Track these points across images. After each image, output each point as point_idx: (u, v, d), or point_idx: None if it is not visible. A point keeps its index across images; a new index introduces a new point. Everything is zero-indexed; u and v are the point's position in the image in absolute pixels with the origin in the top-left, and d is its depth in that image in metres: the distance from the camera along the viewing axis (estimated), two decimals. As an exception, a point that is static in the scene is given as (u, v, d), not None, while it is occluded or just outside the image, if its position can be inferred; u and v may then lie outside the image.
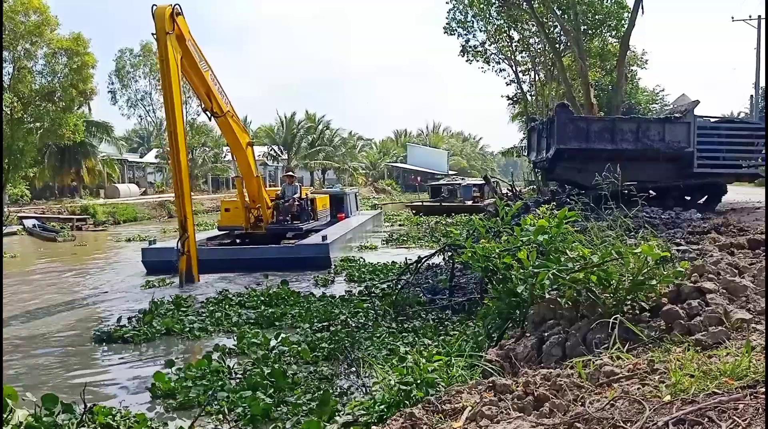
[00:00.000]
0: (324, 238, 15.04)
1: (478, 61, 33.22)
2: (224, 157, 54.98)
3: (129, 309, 10.31)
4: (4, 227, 23.04)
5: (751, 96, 40.04)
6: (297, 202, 17.63)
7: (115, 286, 13.18)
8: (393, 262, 13.71)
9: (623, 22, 24.89)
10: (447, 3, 30.82)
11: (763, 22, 35.80)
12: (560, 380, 3.11)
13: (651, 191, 13.50)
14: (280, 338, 7.56)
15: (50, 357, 7.93)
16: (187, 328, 8.68)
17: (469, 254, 5.28)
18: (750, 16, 36.57)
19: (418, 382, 4.03)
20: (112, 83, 40.59)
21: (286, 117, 63.39)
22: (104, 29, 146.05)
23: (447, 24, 31.56)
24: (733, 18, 37.12)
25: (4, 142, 26.50)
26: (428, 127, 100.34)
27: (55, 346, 8.43)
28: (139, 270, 14.72)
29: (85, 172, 39.90)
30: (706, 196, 14.69)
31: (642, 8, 20.92)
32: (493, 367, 4.00)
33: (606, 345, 3.65)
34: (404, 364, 4.52)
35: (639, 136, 13.42)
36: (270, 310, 9.42)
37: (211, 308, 9.78)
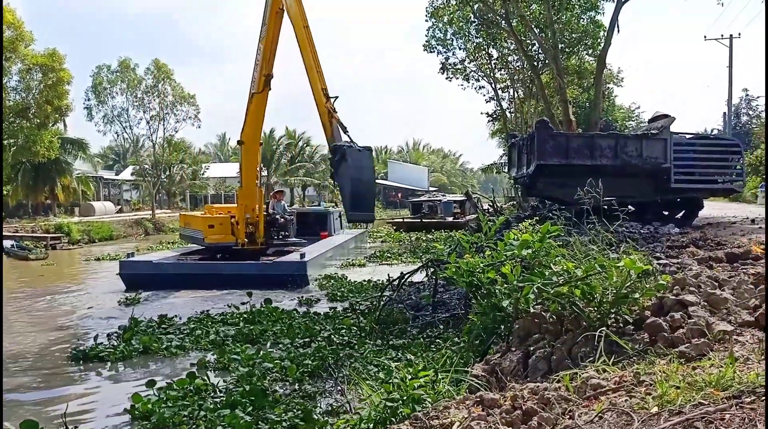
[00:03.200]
0: (302, 256, 15.05)
1: (457, 78, 33.63)
2: (202, 173, 54.60)
3: (107, 327, 10.14)
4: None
5: (724, 113, 40.99)
6: (289, 219, 18.07)
7: (90, 305, 12.92)
8: (378, 280, 13.64)
9: (599, 40, 25.40)
10: (426, 21, 31.21)
11: None
12: (548, 394, 3.11)
13: (630, 206, 13.66)
14: (261, 354, 7.48)
15: (26, 378, 7.74)
16: (165, 346, 8.56)
17: (453, 269, 5.28)
18: (722, 35, 37.56)
19: (405, 398, 4.00)
20: (89, 99, 40.08)
21: (265, 133, 63.29)
22: (81, 45, 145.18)
23: (427, 42, 31.93)
24: (705, 37, 38.11)
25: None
26: (408, 144, 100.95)
27: (31, 367, 8.24)
28: (112, 288, 14.49)
29: (60, 189, 39.26)
30: (683, 211, 14.91)
31: (618, 27, 21.36)
32: (480, 382, 3.99)
33: (591, 358, 3.66)
34: (390, 380, 4.49)
35: (617, 152, 13.59)
36: (250, 327, 9.32)
37: (192, 326, 9.66)
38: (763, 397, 2.60)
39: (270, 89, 15.26)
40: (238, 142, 16.27)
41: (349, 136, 12.21)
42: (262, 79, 15.01)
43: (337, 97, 12.70)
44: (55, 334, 10.24)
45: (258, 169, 16.39)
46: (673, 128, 14.46)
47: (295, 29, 13.43)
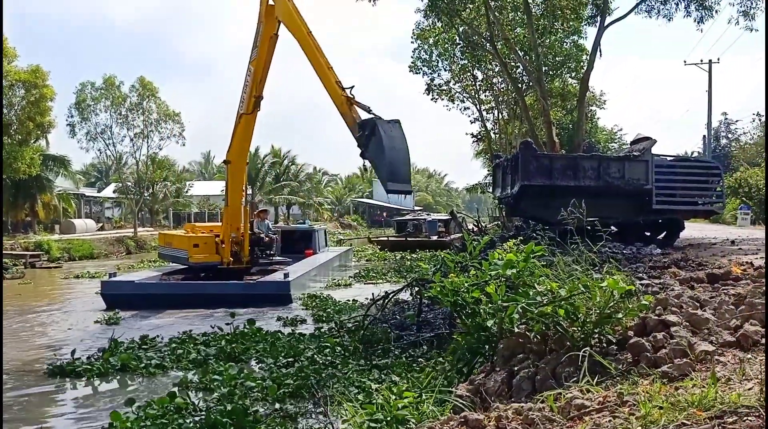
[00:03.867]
0: (286, 275, 14.98)
1: (443, 99, 33.93)
2: (186, 191, 54.24)
3: (87, 347, 9.98)
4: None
5: (704, 136, 41.72)
6: (274, 238, 18.23)
7: (69, 325, 12.68)
8: (364, 299, 13.58)
9: (582, 64, 25.85)
10: (412, 43, 31.54)
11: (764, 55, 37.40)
12: (532, 414, 3.10)
13: (612, 227, 13.80)
14: (243, 373, 7.41)
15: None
16: (143, 365, 8.46)
17: (438, 289, 5.27)
18: (701, 60, 38.33)
19: (389, 419, 3.96)
20: (72, 116, 39.70)
21: (250, 152, 63.02)
22: (67, 62, 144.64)
23: (412, 63, 32.24)
24: (685, 62, 38.88)
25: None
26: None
27: (6, 384, 8.06)
28: (91, 307, 14.27)
29: (40, 206, 38.77)
30: (665, 232, 15.06)
31: (600, 51, 21.76)
32: (464, 402, 3.97)
33: (575, 378, 3.66)
34: (374, 401, 4.45)
35: (600, 174, 13.73)
36: (232, 346, 9.22)
37: (173, 345, 9.54)
38: (745, 418, 2.61)
39: (259, 110, 15.25)
40: (225, 162, 16.22)
41: (374, 113, 11.78)
42: (252, 100, 15.00)
43: (353, 86, 12.36)
44: (32, 354, 10.04)
45: (243, 188, 16.37)
46: (655, 150, 14.66)
47: (299, 40, 13.31)
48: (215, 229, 17.09)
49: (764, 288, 4.97)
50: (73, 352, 8.91)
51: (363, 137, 11.43)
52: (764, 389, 2.84)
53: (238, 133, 15.50)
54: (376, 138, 11.10)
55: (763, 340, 3.74)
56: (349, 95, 12.17)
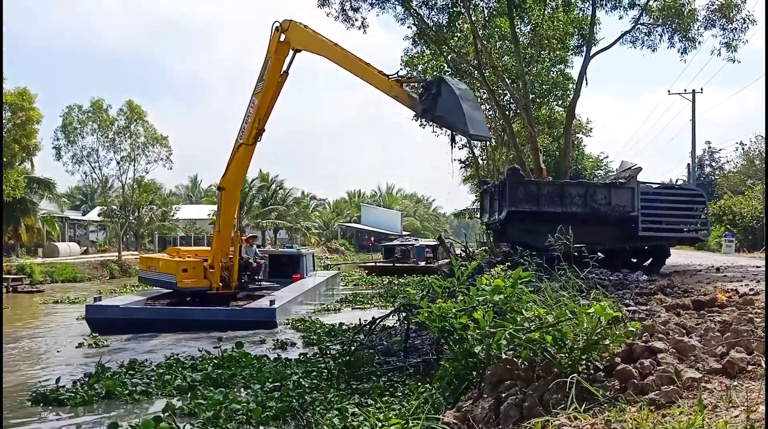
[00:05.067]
0: (272, 302, 14.94)
1: (431, 125, 34.13)
2: (172, 215, 53.89)
3: (71, 373, 9.81)
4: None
5: (688, 164, 42.31)
6: (262, 263, 18.33)
7: (49, 351, 12.44)
8: (351, 323, 13.52)
9: (568, 92, 26.23)
10: (401, 69, 31.84)
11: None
12: (520, 442, 3.07)
13: (599, 253, 13.83)
14: (229, 397, 7.33)
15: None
16: (128, 391, 8.31)
17: (426, 314, 5.25)
18: (685, 90, 39.01)
19: (375, 446, 3.91)
20: (58, 139, 39.44)
21: (238, 176, 62.81)
22: (53, 83, 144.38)
23: (401, 89, 32.50)
24: (669, 92, 39.52)
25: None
26: (382, 188, 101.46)
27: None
28: (72, 333, 14.03)
29: (24, 229, 38.33)
30: (651, 259, 15.13)
31: (586, 80, 22.13)
32: (451, 429, 3.93)
33: (563, 405, 3.64)
34: (360, 427, 4.38)
35: (587, 200, 13.81)
36: (218, 372, 9.11)
37: (160, 371, 9.40)
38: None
39: (260, 141, 15.21)
40: (219, 188, 16.18)
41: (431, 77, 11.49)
42: (254, 131, 14.98)
43: (397, 73, 12.21)
44: (14, 380, 9.81)
45: (235, 214, 16.41)
46: (641, 177, 14.81)
47: (328, 55, 13.13)
48: (200, 253, 16.97)
49: (750, 315, 5.00)
50: (57, 380, 8.74)
51: (429, 98, 11.17)
52: (765, 391, 2.84)
53: (236, 161, 15.45)
54: (446, 93, 10.91)
55: (749, 367, 3.75)
56: (397, 78, 12.04)
